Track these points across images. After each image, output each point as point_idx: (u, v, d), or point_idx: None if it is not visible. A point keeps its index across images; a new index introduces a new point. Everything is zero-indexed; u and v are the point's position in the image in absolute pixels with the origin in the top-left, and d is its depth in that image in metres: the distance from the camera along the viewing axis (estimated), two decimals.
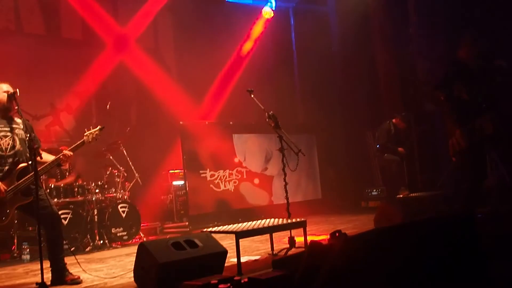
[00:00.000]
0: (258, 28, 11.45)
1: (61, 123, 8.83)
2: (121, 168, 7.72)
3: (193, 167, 9.06)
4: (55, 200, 6.79)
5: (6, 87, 4.59)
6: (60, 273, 4.54)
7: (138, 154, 8.50)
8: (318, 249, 2.44)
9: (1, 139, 4.51)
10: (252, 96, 5.82)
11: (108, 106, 8.05)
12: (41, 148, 4.60)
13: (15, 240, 6.61)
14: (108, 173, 7.73)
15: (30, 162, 4.48)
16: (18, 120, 4.67)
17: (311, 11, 11.00)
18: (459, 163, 5.18)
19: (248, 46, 11.35)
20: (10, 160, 4.50)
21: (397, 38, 9.85)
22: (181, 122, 9.14)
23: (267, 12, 11.38)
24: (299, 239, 5.39)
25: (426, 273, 2.61)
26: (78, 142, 4.75)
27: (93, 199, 7.17)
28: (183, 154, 9.01)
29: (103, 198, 7.41)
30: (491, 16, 8.00)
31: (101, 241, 7.07)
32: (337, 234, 2.60)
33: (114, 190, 7.64)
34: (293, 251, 5.19)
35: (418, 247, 2.64)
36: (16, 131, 4.61)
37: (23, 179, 4.46)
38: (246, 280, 3.27)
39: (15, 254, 6.52)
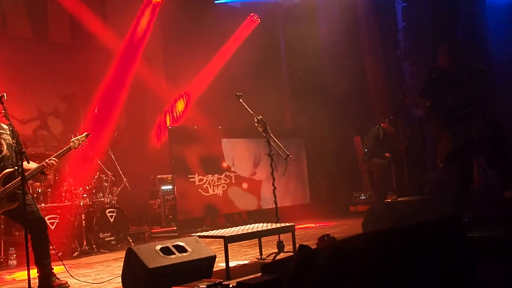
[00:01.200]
0: (246, 31, 11.48)
1: (48, 127, 8.77)
2: (109, 172, 7.67)
3: (182, 172, 9.03)
4: (43, 205, 6.73)
5: None
6: (47, 278, 4.49)
7: (126, 159, 8.46)
8: (307, 253, 2.45)
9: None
10: (241, 100, 5.82)
11: (96, 110, 8.00)
12: (26, 153, 4.38)
13: (2, 246, 6.52)
14: (96, 177, 7.67)
15: (16, 168, 4.44)
16: (5, 126, 4.66)
17: (300, 16, 11.03)
18: (446, 168, 5.22)
19: (236, 50, 11.36)
20: None
21: (385, 43, 9.93)
22: (169, 127, 9.12)
23: (255, 16, 11.39)
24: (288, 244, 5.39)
25: (415, 277, 2.62)
26: (64, 149, 4.75)
27: (81, 204, 7.11)
28: (172, 158, 8.98)
29: (90, 203, 7.35)
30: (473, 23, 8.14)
31: (89, 246, 7.00)
32: (325, 238, 2.61)
33: (102, 194, 7.59)
34: (281, 255, 5.19)
35: (407, 251, 2.65)
36: (4, 136, 4.59)
37: (9, 185, 4.42)
38: (234, 284, 3.26)
39: (2, 260, 6.44)
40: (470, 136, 4.89)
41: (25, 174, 4.28)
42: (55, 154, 4.72)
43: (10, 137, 4.61)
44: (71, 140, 4.83)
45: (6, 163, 4.51)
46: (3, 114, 4.42)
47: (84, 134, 4.89)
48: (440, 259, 2.77)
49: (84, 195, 7.25)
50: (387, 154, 8.93)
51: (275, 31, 12.23)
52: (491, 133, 4.91)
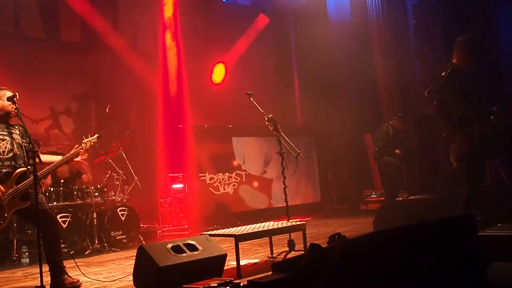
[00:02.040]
0: (257, 31, 11.48)
1: (60, 126, 8.84)
2: (120, 171, 7.71)
3: (193, 170, 9.05)
4: (54, 203, 6.78)
5: (10, 94, 4.63)
6: (59, 276, 4.54)
7: (138, 158, 8.50)
8: (318, 252, 2.44)
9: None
10: (251, 99, 5.82)
11: (107, 109, 8.05)
12: (38, 152, 4.51)
13: (15, 244, 6.60)
14: (107, 176, 7.71)
15: (29, 167, 4.52)
16: (16, 126, 4.73)
17: (310, 14, 11.00)
18: (458, 166, 5.17)
19: (247, 48, 11.37)
20: (7, 163, 4.50)
21: (396, 41, 9.87)
22: (180, 126, 9.14)
23: (265, 16, 11.40)
24: (299, 242, 5.38)
25: (426, 276, 2.61)
26: (75, 150, 4.79)
27: (93, 202, 7.16)
28: (183, 157, 9.00)
29: (102, 201, 7.40)
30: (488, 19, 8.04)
31: (100, 245, 7.06)
32: (336, 237, 2.61)
33: (113, 193, 7.64)
34: (292, 254, 5.19)
35: (418, 250, 2.64)
36: (14, 135, 4.64)
37: (22, 184, 4.46)
38: (245, 283, 3.27)
39: (14, 258, 6.51)
40: (484, 134, 4.85)
41: (49, 166, 4.56)
42: (66, 155, 4.77)
43: (19, 137, 4.67)
44: (83, 141, 4.89)
45: (17, 162, 4.56)
46: (16, 113, 4.51)
47: (95, 136, 4.96)
48: (451, 257, 2.75)
49: (96, 194, 7.29)
50: (397, 151, 8.89)
51: (286, 30, 12.21)
52: (504, 132, 4.86)
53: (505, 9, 8.36)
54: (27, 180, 4.48)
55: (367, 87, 10.36)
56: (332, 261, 2.32)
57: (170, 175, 9.30)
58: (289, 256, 5.16)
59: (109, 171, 7.73)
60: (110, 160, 7.74)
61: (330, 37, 10.71)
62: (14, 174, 4.48)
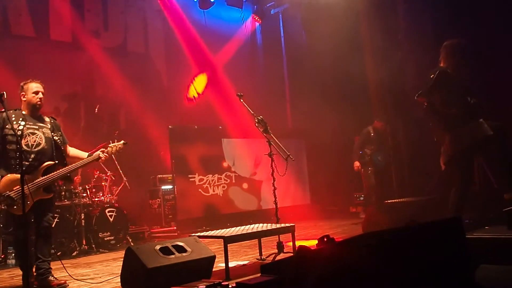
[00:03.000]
0: (247, 33, 11.49)
1: None
2: (108, 172, 7.66)
3: (182, 172, 9.02)
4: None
5: (35, 86, 4.84)
6: (45, 277, 4.49)
7: (127, 158, 8.43)
8: (307, 254, 2.43)
9: (29, 135, 4.61)
10: (242, 100, 5.81)
11: (96, 109, 7.99)
12: (68, 144, 5.03)
13: (0, 245, 6.51)
14: (95, 177, 7.66)
15: (56, 161, 4.71)
16: (47, 119, 4.88)
17: (301, 17, 11.03)
18: (447, 169, 5.21)
19: (238, 50, 11.37)
20: (33, 156, 4.59)
21: (386, 44, 9.90)
22: (170, 126, 9.11)
23: (256, 18, 11.43)
24: (288, 244, 5.38)
25: (415, 278, 2.61)
26: (99, 153, 4.97)
27: (81, 203, 7.10)
28: (172, 158, 8.97)
29: (90, 202, 7.35)
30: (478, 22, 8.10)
31: (88, 246, 7.00)
32: (325, 239, 2.60)
33: (101, 194, 7.58)
34: (281, 256, 5.18)
35: (406, 252, 2.64)
36: (44, 129, 4.75)
37: (46, 176, 4.57)
38: (234, 285, 3.24)
39: (1, 259, 6.43)
40: (474, 138, 4.87)
41: (77, 162, 4.84)
42: (90, 157, 4.94)
43: (50, 131, 4.78)
44: (109, 145, 5.09)
45: (43, 155, 4.64)
46: (41, 104, 4.70)
47: (121, 142, 5.18)
48: (440, 260, 2.76)
49: (84, 195, 7.24)
50: (356, 163, 9.07)
51: (276, 32, 12.22)
52: (494, 136, 4.89)
53: (498, 10, 8.43)
54: (53, 173, 4.60)
55: (358, 90, 10.37)
56: (321, 263, 2.32)
57: (159, 176, 9.26)
58: (278, 258, 5.15)
59: (98, 172, 7.67)
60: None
61: (321, 40, 10.72)
62: (41, 167, 4.58)
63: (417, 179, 9.34)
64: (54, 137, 4.74)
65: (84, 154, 4.99)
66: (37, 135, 4.66)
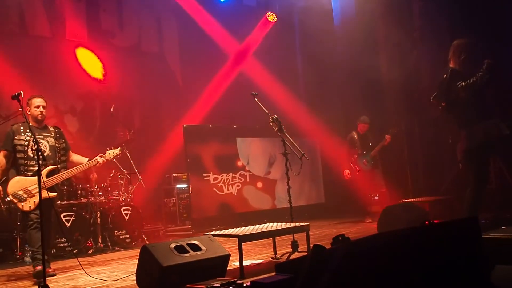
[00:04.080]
0: (262, 31, 11.48)
1: (64, 125, 8.85)
2: (124, 171, 7.73)
3: (197, 170, 9.06)
4: (58, 202, 6.80)
5: (37, 101, 5.47)
6: (33, 261, 5.18)
7: (142, 157, 8.52)
8: (321, 254, 2.43)
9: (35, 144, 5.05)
10: (256, 99, 5.82)
11: (112, 108, 8.07)
12: (70, 150, 5.75)
13: (18, 242, 6.62)
14: (111, 175, 7.73)
15: (58, 166, 5.43)
16: (51, 128, 5.59)
17: (316, 14, 10.98)
18: (463, 168, 5.16)
19: (252, 49, 11.38)
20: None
21: (402, 43, 9.83)
22: (184, 125, 9.15)
23: (271, 15, 11.42)
24: (302, 243, 5.37)
25: (430, 278, 2.60)
26: (96, 159, 5.63)
27: (96, 201, 7.18)
28: (187, 157, 9.02)
29: (106, 200, 7.42)
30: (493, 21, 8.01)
31: (104, 244, 7.07)
32: (340, 239, 2.59)
33: (117, 193, 7.65)
34: (296, 255, 5.18)
35: (421, 252, 2.63)
36: (48, 138, 5.47)
37: (50, 178, 5.29)
38: (248, 283, 3.25)
39: (18, 256, 6.53)
40: (488, 136, 4.83)
41: (77, 167, 5.57)
42: (86, 163, 5.62)
43: (54, 139, 5.48)
44: (107, 151, 5.76)
45: (48, 162, 5.33)
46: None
47: (118, 149, 5.89)
48: (455, 260, 2.74)
49: (100, 193, 7.31)
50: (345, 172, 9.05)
51: (291, 30, 12.20)
52: (510, 134, 4.84)
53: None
54: (55, 176, 5.33)
55: (373, 89, 10.32)
56: (335, 262, 2.32)
57: (174, 175, 9.31)
58: (292, 257, 5.15)
59: (113, 171, 7.74)
60: (114, 160, 7.75)
61: (336, 39, 10.69)
62: (44, 169, 5.23)
63: (432, 179, 9.27)
64: (57, 145, 5.48)
65: (84, 159, 5.68)
66: (42, 143, 5.36)
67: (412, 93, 9.84)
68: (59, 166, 5.46)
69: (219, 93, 10.76)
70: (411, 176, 9.77)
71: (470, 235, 2.90)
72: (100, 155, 5.65)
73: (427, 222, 2.78)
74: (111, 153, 5.76)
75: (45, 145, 5.41)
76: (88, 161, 5.63)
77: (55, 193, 5.39)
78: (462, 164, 5.12)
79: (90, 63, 9.20)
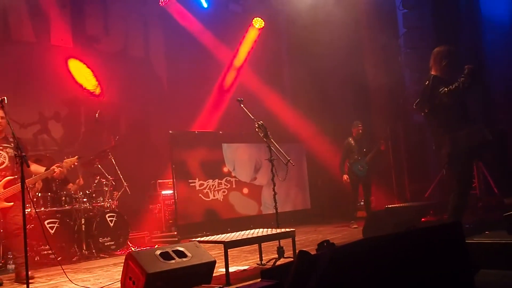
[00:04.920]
0: (249, 37, 11.50)
1: (49, 131, 8.77)
2: (109, 177, 7.67)
3: (182, 177, 9.02)
4: (42, 209, 6.72)
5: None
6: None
7: (127, 163, 8.45)
8: (307, 259, 2.44)
9: None
10: (242, 105, 5.83)
11: (97, 114, 8.01)
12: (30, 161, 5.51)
13: (1, 250, 6.51)
14: (96, 182, 7.67)
15: (15, 176, 5.47)
16: (11, 139, 5.54)
17: (302, 22, 11.04)
18: (447, 173, 5.22)
19: (239, 55, 11.40)
20: None
21: (387, 49, 9.94)
22: (170, 131, 9.12)
23: (258, 21, 11.45)
24: (288, 249, 5.37)
25: (414, 283, 2.61)
26: (54, 168, 5.71)
27: (81, 208, 7.10)
28: (172, 163, 8.97)
29: (91, 207, 7.35)
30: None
31: (88, 251, 6.99)
32: (325, 244, 2.60)
33: (102, 199, 7.59)
34: (281, 261, 5.18)
35: (406, 257, 2.65)
36: (7, 149, 5.52)
37: (7, 189, 5.39)
38: None
39: (1, 264, 6.42)
40: (472, 141, 4.89)
41: (33, 177, 5.66)
42: (43, 173, 5.71)
43: (12, 150, 5.45)
44: (64, 161, 5.89)
45: (6, 172, 5.48)
46: (3, 127, 5.30)
47: (75, 157, 6.02)
48: (439, 264, 2.76)
49: (84, 200, 7.24)
50: (344, 176, 9.11)
51: (277, 36, 12.24)
52: (494, 140, 4.90)
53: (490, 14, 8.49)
54: (13, 186, 5.42)
55: (358, 95, 10.41)
56: (321, 268, 2.32)
57: (159, 181, 9.26)
58: (278, 263, 5.15)
59: (98, 177, 7.68)
60: (99, 166, 7.70)
61: (322, 45, 10.75)
62: (2, 180, 5.36)
63: (417, 184, 9.35)
64: (16, 156, 5.34)
65: (42, 169, 5.76)
66: (2, 154, 5.50)
67: (397, 98, 9.95)
68: (16, 176, 5.49)
69: (206, 99, 10.75)
70: (396, 181, 9.84)
71: (454, 240, 2.93)
72: (57, 164, 5.78)
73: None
74: (68, 162, 5.92)
75: (4, 156, 5.49)
76: (45, 171, 5.72)
77: (11, 203, 5.41)
78: (446, 169, 5.17)
79: (82, 74, 9.17)
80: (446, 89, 4.89)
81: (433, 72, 5.14)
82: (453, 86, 4.85)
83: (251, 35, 11.52)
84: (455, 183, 5.03)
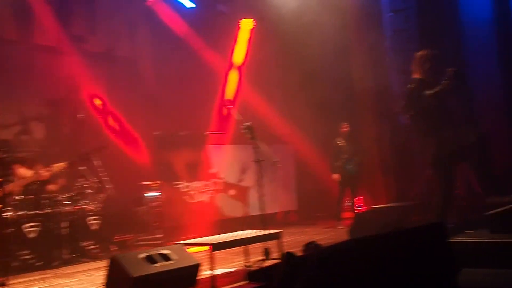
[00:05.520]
0: (241, 39, 11.47)
1: (31, 132, 8.62)
2: (92, 179, 7.55)
3: (168, 178, 8.95)
4: (22, 212, 6.57)
5: None
6: None
7: (111, 165, 8.35)
8: (293, 261, 2.42)
9: None
10: (230, 107, 5.80)
11: (81, 115, 7.89)
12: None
13: None
14: (79, 184, 7.54)
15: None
16: None
17: (289, 24, 11.04)
18: (432, 174, 5.28)
19: (225, 55, 11.35)
20: None
21: (373, 52, 10.00)
22: (155, 133, 9.04)
23: (247, 22, 11.40)
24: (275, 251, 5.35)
25: (399, 283, 2.61)
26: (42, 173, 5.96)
27: (63, 211, 6.98)
28: (158, 165, 8.89)
29: (73, 210, 7.21)
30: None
31: (71, 255, 6.85)
32: (311, 245, 2.59)
33: (85, 202, 7.45)
34: (268, 262, 5.14)
35: (392, 257, 2.64)
36: None
37: None
38: None
39: None
40: (456, 143, 4.95)
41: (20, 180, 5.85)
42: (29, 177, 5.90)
43: None
44: (54, 165, 6.01)
45: None
46: None
47: (65, 162, 6.14)
48: (424, 264, 2.77)
49: (67, 202, 7.11)
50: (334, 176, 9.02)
51: (266, 37, 12.21)
52: (477, 142, 4.97)
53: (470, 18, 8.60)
54: None
55: (345, 97, 10.44)
56: (307, 269, 2.30)
57: (144, 183, 9.17)
58: (265, 264, 5.12)
59: (81, 179, 7.55)
60: (83, 168, 7.57)
61: (309, 48, 10.76)
62: None
63: (403, 185, 9.41)
64: None
65: (29, 172, 5.94)
66: None
67: (383, 100, 10.00)
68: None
69: (192, 100, 10.67)
70: (382, 182, 9.88)
71: (438, 240, 2.95)
72: (46, 168, 5.89)
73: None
74: (58, 167, 6.05)
75: None
76: (33, 174, 5.87)
77: None
78: (431, 170, 5.23)
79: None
80: (430, 92, 4.93)
81: (416, 75, 5.19)
82: (438, 89, 4.90)
83: (243, 37, 11.47)
84: (440, 184, 5.08)
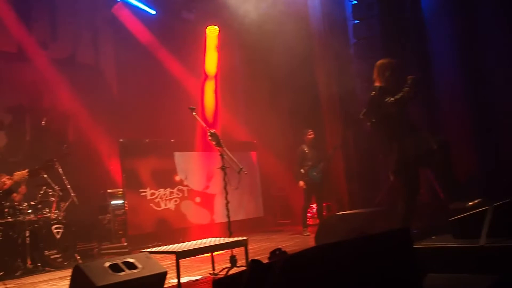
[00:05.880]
0: (208, 45, 11.44)
1: None
2: (56, 187, 7.38)
3: (133, 186, 8.84)
4: None
5: None
6: None
7: (75, 173, 8.18)
8: (259, 268, 2.42)
9: None
10: (194, 113, 5.78)
11: (43, 122, 7.72)
12: None
13: None
14: (42, 192, 7.35)
15: None
16: None
17: (254, 32, 11.11)
18: (396, 180, 5.36)
19: (191, 62, 11.31)
20: None
21: (338, 59, 10.14)
22: (120, 140, 8.92)
23: (211, 29, 11.41)
24: (241, 258, 5.35)
25: None
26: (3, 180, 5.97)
27: (25, 220, 6.80)
28: (123, 172, 8.78)
29: (36, 218, 7.04)
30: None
31: (33, 265, 6.69)
32: (277, 252, 2.60)
33: (48, 210, 7.28)
34: (234, 270, 5.14)
35: (357, 263, 2.68)
36: None
37: None
38: None
39: None
40: (418, 149, 5.05)
41: None
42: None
43: None
44: (15, 173, 5.99)
45: None
46: None
47: (26, 171, 6.08)
48: (389, 269, 2.81)
49: (29, 211, 6.93)
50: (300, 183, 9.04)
51: (231, 45, 12.25)
52: (438, 148, 5.08)
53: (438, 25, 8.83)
54: None
55: (310, 104, 10.55)
56: (273, 276, 2.31)
57: (109, 190, 9.02)
58: (231, 272, 5.11)
59: (44, 187, 7.37)
60: (45, 176, 7.40)
61: (274, 55, 10.85)
62: None
63: (367, 191, 9.55)
64: None
65: None
66: None
67: (348, 107, 10.15)
68: None
69: (157, 107, 10.58)
70: (347, 188, 10.01)
71: (402, 245, 3.00)
72: (7, 177, 5.81)
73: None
74: (19, 175, 5.96)
75: None
76: None
77: None
78: (393, 176, 5.32)
79: None
80: (392, 99, 5.03)
81: (377, 84, 5.29)
82: (399, 96, 5.00)
83: (211, 44, 11.45)
84: (403, 190, 5.17)
